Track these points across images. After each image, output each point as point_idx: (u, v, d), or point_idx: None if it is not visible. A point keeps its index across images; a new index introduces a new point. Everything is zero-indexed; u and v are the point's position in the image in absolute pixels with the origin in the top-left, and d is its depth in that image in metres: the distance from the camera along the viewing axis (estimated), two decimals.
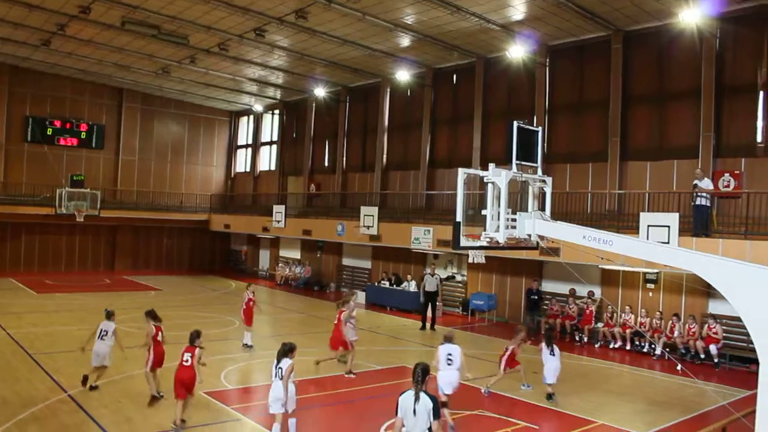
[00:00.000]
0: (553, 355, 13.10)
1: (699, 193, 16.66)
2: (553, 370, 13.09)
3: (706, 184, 17.11)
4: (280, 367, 9.98)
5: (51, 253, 34.58)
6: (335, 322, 15.19)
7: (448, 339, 11.84)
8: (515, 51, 23.15)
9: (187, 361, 10.58)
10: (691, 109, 19.88)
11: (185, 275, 35.86)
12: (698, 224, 16.58)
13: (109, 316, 12.83)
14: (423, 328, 21.68)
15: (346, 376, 14.62)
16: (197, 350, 10.68)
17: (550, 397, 13.15)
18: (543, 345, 13.32)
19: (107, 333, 12.52)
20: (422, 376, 7.32)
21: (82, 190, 31.71)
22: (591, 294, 20.70)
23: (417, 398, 7.19)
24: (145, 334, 12.17)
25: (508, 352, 13.60)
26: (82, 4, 21.97)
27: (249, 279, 35.44)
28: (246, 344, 17.04)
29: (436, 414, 7.19)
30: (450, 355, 11.52)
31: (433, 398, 7.26)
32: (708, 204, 16.90)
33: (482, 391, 13.43)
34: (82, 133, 35.46)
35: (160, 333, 12.13)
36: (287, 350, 10.11)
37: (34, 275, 31.81)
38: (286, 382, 9.94)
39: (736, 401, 12.91)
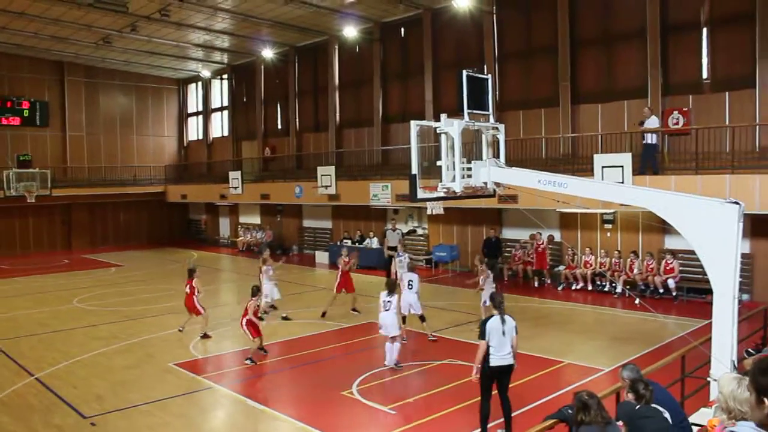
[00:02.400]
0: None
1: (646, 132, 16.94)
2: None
3: (653, 122, 17.36)
4: (389, 301, 12.07)
5: (3, 237, 33.65)
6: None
7: (411, 269, 14.66)
8: (461, 0, 22.92)
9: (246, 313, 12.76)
10: (638, 50, 20.04)
11: (145, 249, 35.29)
12: (645, 163, 16.88)
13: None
14: None
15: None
16: (252, 303, 12.82)
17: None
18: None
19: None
20: (503, 302, 8.81)
21: (31, 171, 30.77)
22: (550, 237, 21.00)
23: (503, 320, 8.55)
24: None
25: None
26: None
27: (210, 248, 35.26)
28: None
29: (516, 330, 8.68)
30: (410, 281, 14.02)
31: (513, 318, 8.73)
32: (655, 143, 17.19)
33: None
34: (25, 110, 34.21)
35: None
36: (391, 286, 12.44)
37: None
38: (399, 310, 12.54)
39: (694, 331, 13.35)
